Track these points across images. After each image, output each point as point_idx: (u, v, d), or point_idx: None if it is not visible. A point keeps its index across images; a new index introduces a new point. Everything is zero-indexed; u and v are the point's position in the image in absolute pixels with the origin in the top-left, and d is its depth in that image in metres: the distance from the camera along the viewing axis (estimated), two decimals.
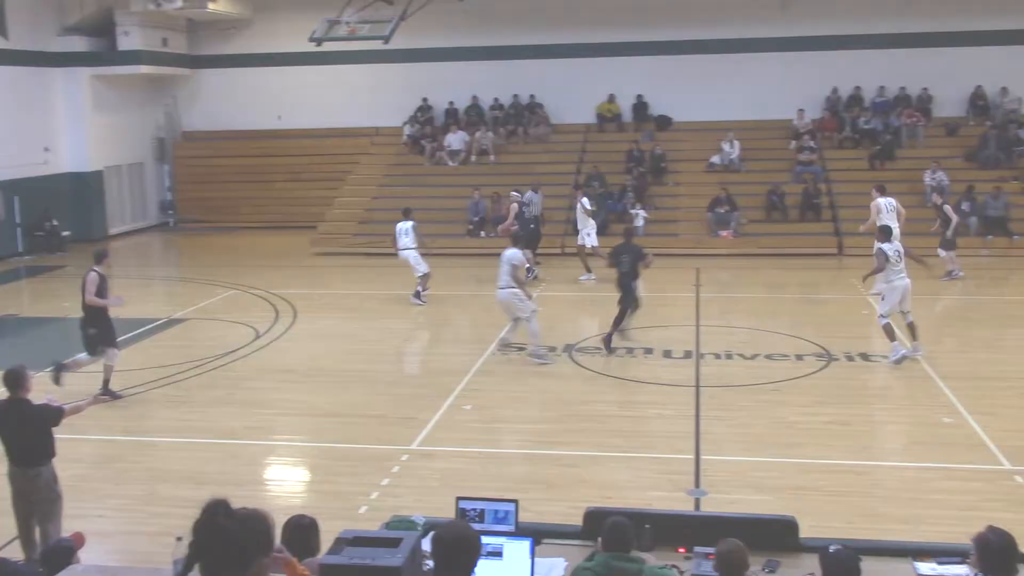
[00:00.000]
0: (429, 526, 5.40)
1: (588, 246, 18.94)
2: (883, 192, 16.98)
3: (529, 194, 21.21)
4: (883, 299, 12.89)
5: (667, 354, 13.43)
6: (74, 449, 7.30)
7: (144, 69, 26.19)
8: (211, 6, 25.43)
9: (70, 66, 25.07)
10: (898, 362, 12.29)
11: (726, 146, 24.46)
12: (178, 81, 28.60)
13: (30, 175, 23.89)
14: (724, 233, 21.90)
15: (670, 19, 25.68)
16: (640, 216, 22.37)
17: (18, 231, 23.58)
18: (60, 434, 7.27)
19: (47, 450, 7.19)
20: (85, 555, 7.01)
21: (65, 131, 25.37)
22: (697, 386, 11.86)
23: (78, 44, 25.31)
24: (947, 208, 18.25)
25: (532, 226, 19.71)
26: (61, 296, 19.01)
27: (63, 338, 15.97)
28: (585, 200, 19.39)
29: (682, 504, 8.30)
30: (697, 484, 8.83)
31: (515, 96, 26.85)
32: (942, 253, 17.88)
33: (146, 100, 28.19)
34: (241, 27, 27.99)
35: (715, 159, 24.49)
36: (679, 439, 10.04)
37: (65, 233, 24.39)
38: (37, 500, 7.15)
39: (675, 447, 9.81)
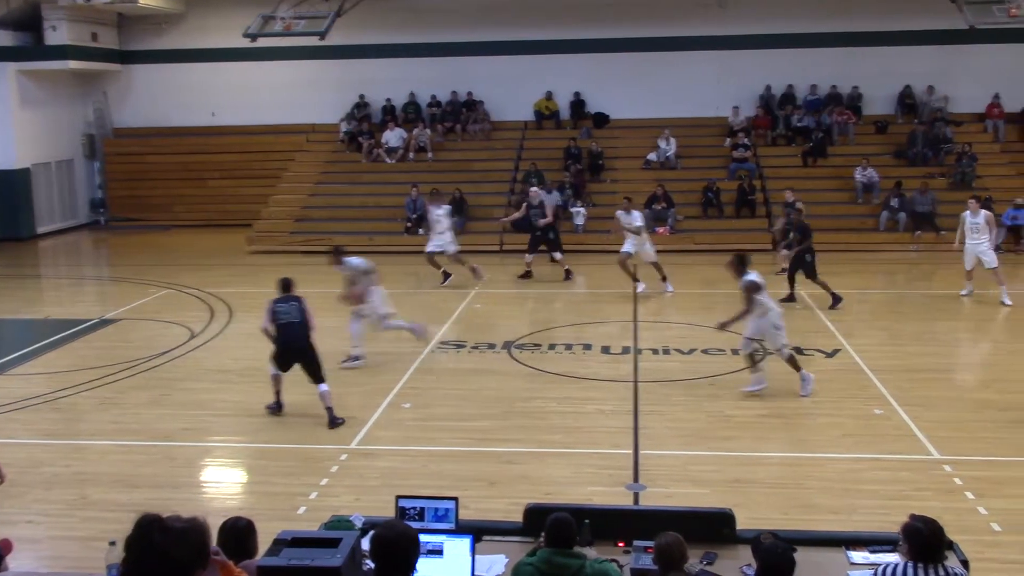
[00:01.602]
0: (368, 525, 5.37)
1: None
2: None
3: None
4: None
5: (605, 350, 13.51)
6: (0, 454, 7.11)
7: (72, 64, 25.60)
8: (142, 1, 24.95)
9: None
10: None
11: (662, 143, 24.70)
12: (108, 77, 28.01)
13: None
14: (660, 230, 22.08)
15: (608, 17, 25.84)
16: (580, 214, 22.50)
17: None
18: None
19: None
20: (14, 561, 6.83)
21: None
22: (635, 381, 11.95)
23: (3, 39, 24.68)
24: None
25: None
26: None
27: None
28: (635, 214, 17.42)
29: (621, 499, 8.36)
30: (636, 479, 8.90)
31: (453, 93, 26.79)
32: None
33: (75, 96, 27.57)
34: (173, 22, 27.51)
35: (652, 156, 24.71)
36: (618, 435, 10.11)
37: None
38: None
39: (614, 442, 9.88)
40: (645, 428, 10.27)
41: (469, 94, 26.72)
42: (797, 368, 11.28)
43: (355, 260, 12.81)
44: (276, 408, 10.92)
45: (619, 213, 17.30)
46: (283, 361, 10.85)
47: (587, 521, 5.34)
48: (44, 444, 10.13)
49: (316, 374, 10.71)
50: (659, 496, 8.37)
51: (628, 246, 17.01)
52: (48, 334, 15.00)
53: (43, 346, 14.36)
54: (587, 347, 13.66)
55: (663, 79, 26.00)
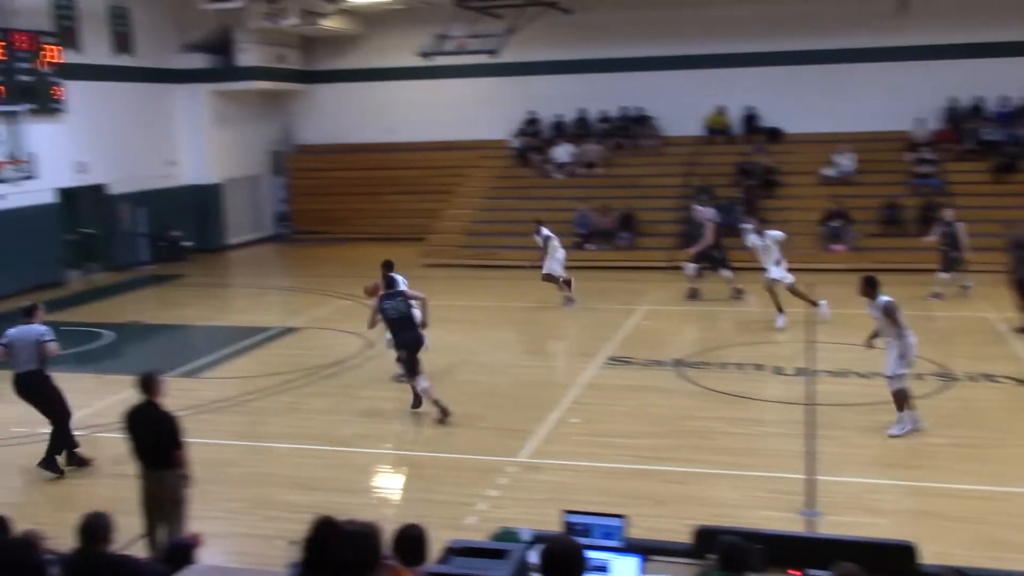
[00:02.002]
0: (535, 539, 5.40)
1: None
2: None
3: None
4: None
5: (778, 371, 13.15)
6: (191, 453, 7.54)
7: (261, 84, 27.02)
8: (324, 23, 26.10)
9: (191, 82, 26.04)
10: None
11: (840, 158, 23.88)
12: (293, 96, 29.43)
13: (155, 187, 24.89)
14: (837, 247, 21.35)
15: (781, 30, 25.24)
16: (750, 230, 21.99)
17: (144, 241, 24.55)
18: None
19: (170, 454, 7.43)
20: (203, 555, 7.23)
21: (186, 145, 26.34)
22: (810, 404, 11.58)
23: (199, 61, 26.27)
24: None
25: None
26: (183, 304, 19.74)
27: (185, 345, 16.59)
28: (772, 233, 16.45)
29: (793, 525, 8.10)
30: (810, 505, 8.61)
31: (623, 108, 26.76)
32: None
33: (263, 115, 29.06)
34: (354, 43, 28.63)
35: (828, 171, 23.92)
36: (791, 458, 9.81)
37: (187, 243, 25.32)
38: (164, 501, 7.40)
39: (786, 466, 9.59)
40: (820, 453, 9.93)
41: (639, 109, 26.62)
42: (900, 407, 10.37)
43: None
44: (442, 416, 11.18)
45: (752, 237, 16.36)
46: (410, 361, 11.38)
47: (760, 546, 5.20)
48: (231, 445, 10.68)
49: (415, 368, 11.32)
50: (834, 524, 8.05)
51: (775, 271, 15.85)
52: (237, 340, 15.83)
53: (232, 352, 15.16)
54: (759, 367, 13.33)
55: (840, 92, 25.15)
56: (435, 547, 5.07)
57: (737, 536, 4.91)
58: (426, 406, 11.44)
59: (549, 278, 17.81)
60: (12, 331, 9.82)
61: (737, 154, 24.81)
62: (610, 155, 26.01)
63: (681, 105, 26.13)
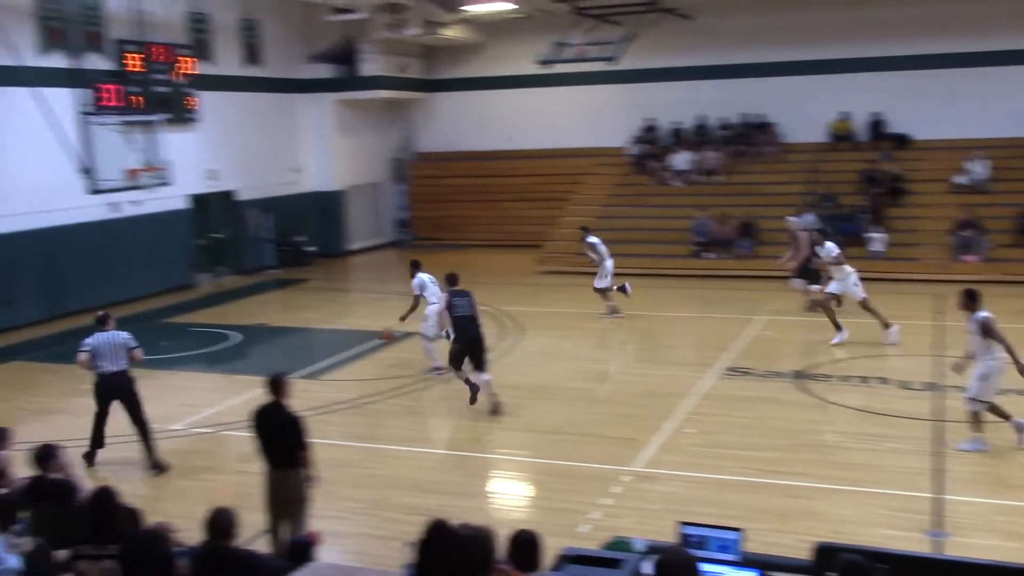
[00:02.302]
0: (650, 550, 5.36)
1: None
2: None
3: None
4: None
5: (904, 385, 12.72)
6: (313, 453, 7.76)
7: (383, 93, 27.59)
8: (446, 32, 26.50)
9: (316, 92, 26.79)
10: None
11: (972, 165, 22.96)
12: (414, 104, 29.96)
13: (281, 194, 25.69)
14: (968, 258, 20.54)
15: (910, 32, 24.44)
16: (878, 240, 21.39)
17: (269, 246, 25.35)
18: None
19: (296, 454, 7.62)
20: (322, 553, 7.41)
21: (311, 153, 27.11)
22: (938, 420, 11.15)
23: (324, 71, 27.00)
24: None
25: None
26: (306, 307, 20.31)
27: (308, 347, 17.06)
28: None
29: (918, 546, 7.82)
30: (937, 526, 8.29)
31: (743, 115, 26.33)
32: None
33: (384, 123, 29.67)
34: (473, 51, 28.97)
35: (959, 179, 23.02)
36: (916, 476, 9.47)
37: (310, 248, 26.04)
38: (288, 500, 7.61)
39: (912, 484, 9.27)
40: (948, 471, 9.56)
41: (760, 115, 26.16)
42: (975, 427, 10.06)
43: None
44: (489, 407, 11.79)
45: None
46: (460, 357, 11.77)
47: (883, 566, 5.03)
48: (351, 446, 10.92)
49: (482, 364, 11.79)
50: (963, 547, 7.74)
51: (833, 285, 15.18)
52: (357, 344, 16.19)
53: (353, 355, 15.51)
54: (883, 381, 12.92)
55: (972, 96, 24.19)
56: (548, 554, 5.08)
57: (859, 554, 4.77)
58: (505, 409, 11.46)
59: (603, 291, 17.60)
60: (93, 339, 10.25)
61: (862, 161, 24.13)
62: (730, 162, 25.64)
63: (803, 111, 25.57)
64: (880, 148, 24.73)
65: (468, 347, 11.78)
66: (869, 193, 22.90)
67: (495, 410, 11.74)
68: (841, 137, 25.51)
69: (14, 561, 6.05)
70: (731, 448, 10.46)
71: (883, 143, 24.92)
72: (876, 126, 25.28)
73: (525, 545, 5.20)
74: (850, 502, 8.92)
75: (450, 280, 12.29)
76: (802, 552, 5.56)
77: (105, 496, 5.80)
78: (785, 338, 16.12)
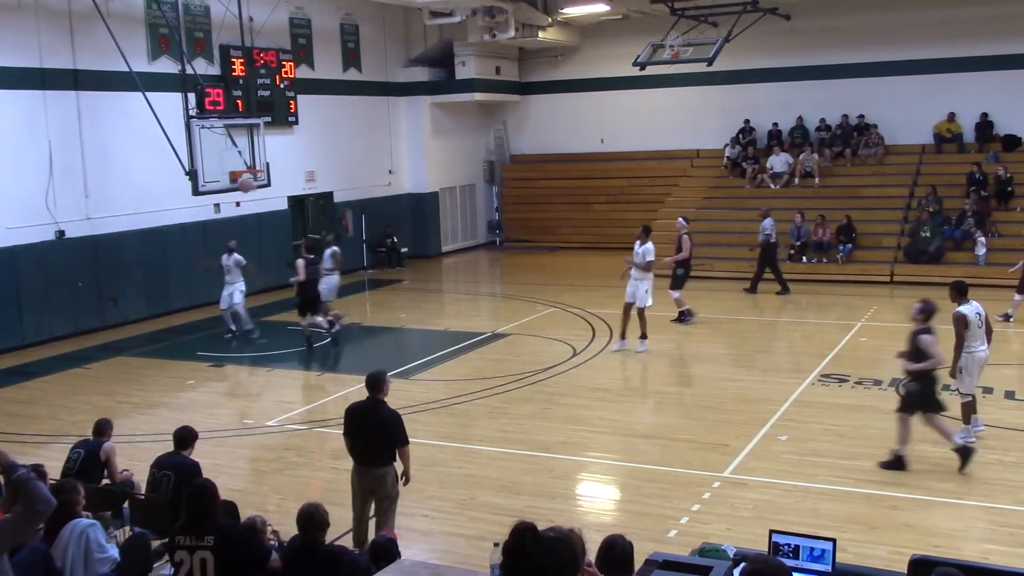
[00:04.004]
0: (739, 557, 5.28)
1: None
2: None
3: None
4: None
5: (1009, 395, 12.28)
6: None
7: (478, 96, 27.78)
8: (542, 35, 26.54)
9: (412, 95, 27.12)
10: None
11: None
12: (508, 107, 30.08)
13: (375, 195, 26.09)
14: None
15: (1018, 29, 23.53)
16: (982, 244, 20.67)
17: (364, 247, 25.76)
18: None
19: (393, 452, 7.73)
20: (410, 551, 7.51)
21: (406, 155, 27.46)
22: None
23: (420, 75, 27.32)
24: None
25: None
26: (399, 308, 20.58)
27: (400, 346, 17.29)
28: None
29: (1019, 562, 7.53)
30: None
31: (844, 116, 25.72)
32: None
33: (478, 125, 29.88)
34: (568, 53, 28.96)
35: None
36: (1017, 489, 9.13)
37: (404, 249, 26.38)
38: (379, 498, 7.72)
39: (1016, 498, 8.93)
40: None
41: (861, 117, 25.52)
42: (966, 420, 10.41)
43: None
44: None
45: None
46: None
47: None
48: (440, 445, 11.02)
49: None
50: None
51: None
52: (447, 344, 16.34)
53: (443, 355, 15.67)
54: (988, 391, 12.47)
55: None
56: (636, 558, 5.06)
57: (956, 568, 4.62)
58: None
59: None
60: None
61: (968, 163, 23.34)
62: (829, 165, 25.09)
63: (906, 112, 24.87)
64: (987, 150, 23.90)
65: None
66: (973, 196, 22.14)
67: None
68: (946, 138, 24.73)
69: (114, 551, 6.28)
70: (824, 456, 10.24)
71: (991, 144, 24.08)
72: (983, 127, 24.44)
73: (615, 550, 5.17)
74: (948, 514, 8.65)
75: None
76: (897, 565, 5.41)
77: (204, 489, 5.98)
78: (884, 345, 15.67)
